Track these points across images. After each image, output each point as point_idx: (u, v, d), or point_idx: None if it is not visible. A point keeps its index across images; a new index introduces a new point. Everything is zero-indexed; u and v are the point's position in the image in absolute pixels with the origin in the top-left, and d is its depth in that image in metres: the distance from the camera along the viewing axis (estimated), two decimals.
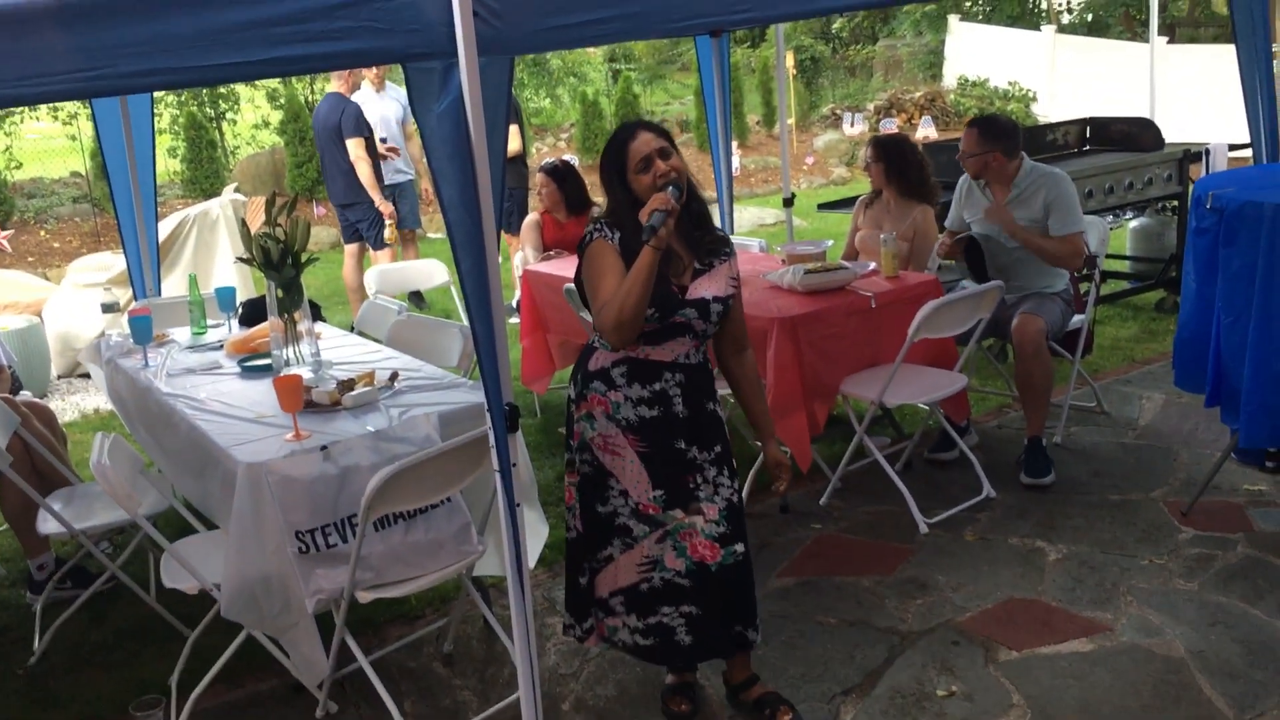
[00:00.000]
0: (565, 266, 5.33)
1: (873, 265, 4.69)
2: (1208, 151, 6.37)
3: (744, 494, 3.34)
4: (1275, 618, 3.39)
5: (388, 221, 7.59)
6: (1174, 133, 7.21)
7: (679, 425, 2.90)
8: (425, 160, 2.70)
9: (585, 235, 2.93)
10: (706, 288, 2.90)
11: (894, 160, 5.01)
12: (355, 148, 7.27)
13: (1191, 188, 5.37)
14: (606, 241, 2.86)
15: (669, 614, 2.94)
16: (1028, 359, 4.44)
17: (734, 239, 4.32)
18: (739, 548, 2.95)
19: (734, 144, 13.20)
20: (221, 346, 4.27)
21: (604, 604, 3.01)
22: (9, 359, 4.57)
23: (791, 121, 14.80)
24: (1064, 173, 4.66)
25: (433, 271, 6.27)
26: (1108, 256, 6.08)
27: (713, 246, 2.96)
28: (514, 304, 5.78)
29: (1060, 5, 20.01)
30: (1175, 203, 6.87)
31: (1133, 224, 7.30)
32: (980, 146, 4.62)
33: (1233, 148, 6.29)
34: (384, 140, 7.72)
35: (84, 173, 12.39)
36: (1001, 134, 4.62)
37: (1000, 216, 4.60)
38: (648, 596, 2.94)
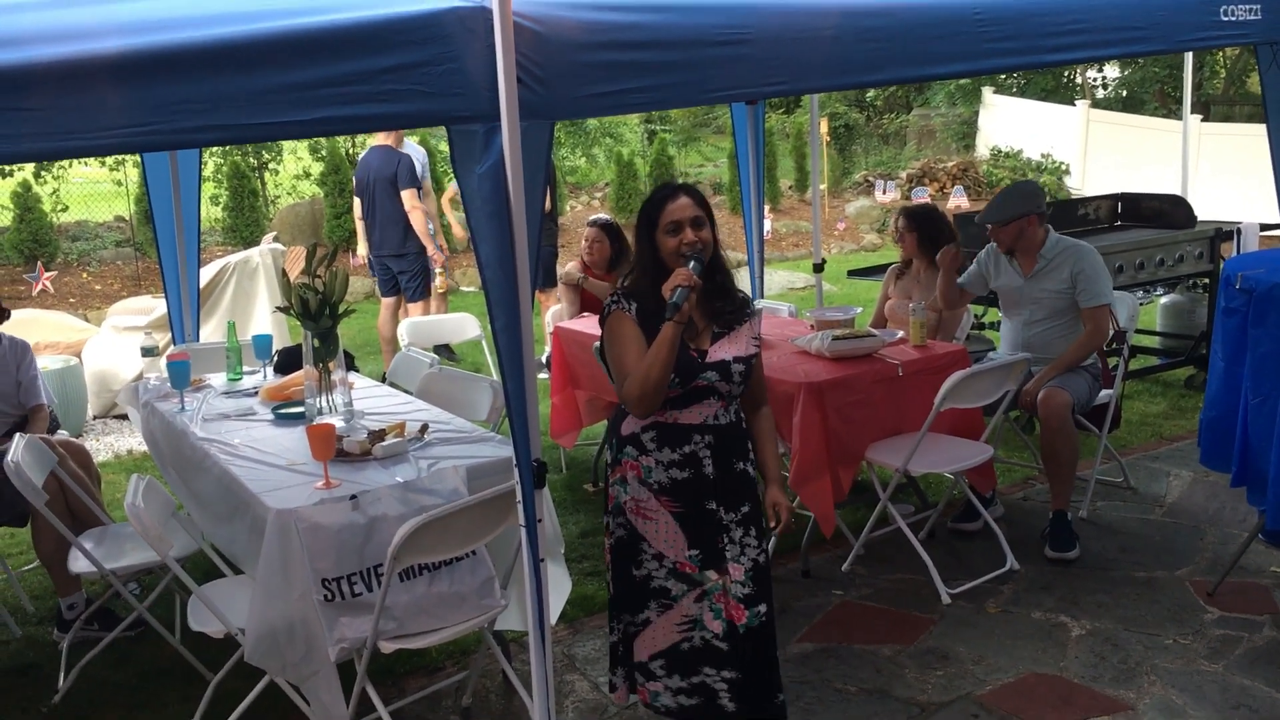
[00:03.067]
0: (595, 324, 5.38)
1: (901, 334, 4.73)
2: (1239, 231, 6.39)
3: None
4: None
5: (438, 269, 7.74)
6: (1206, 211, 7.24)
7: (709, 486, 2.93)
8: (464, 219, 2.77)
9: (604, 307, 3.00)
10: (727, 349, 2.95)
11: (926, 230, 5.06)
12: (410, 198, 7.45)
13: (1222, 267, 5.38)
14: (625, 313, 2.93)
15: (711, 676, 2.94)
16: (1053, 432, 4.44)
17: (764, 302, 4.37)
18: (762, 609, 2.96)
19: (766, 208, 13.31)
20: (257, 393, 4.35)
21: (644, 668, 3.00)
22: (49, 398, 4.65)
23: (824, 187, 14.93)
24: (1091, 245, 4.70)
25: (465, 325, 6.36)
26: (1137, 332, 6.10)
27: (733, 316, 3.01)
28: (544, 360, 5.84)
29: (1095, 80, 20.15)
30: (1206, 280, 6.88)
31: (1163, 300, 7.30)
32: (1003, 214, 4.64)
33: (1264, 228, 6.31)
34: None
35: (128, 217, 12.66)
36: (1031, 199, 4.66)
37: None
38: (688, 656, 2.95)
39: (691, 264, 2.84)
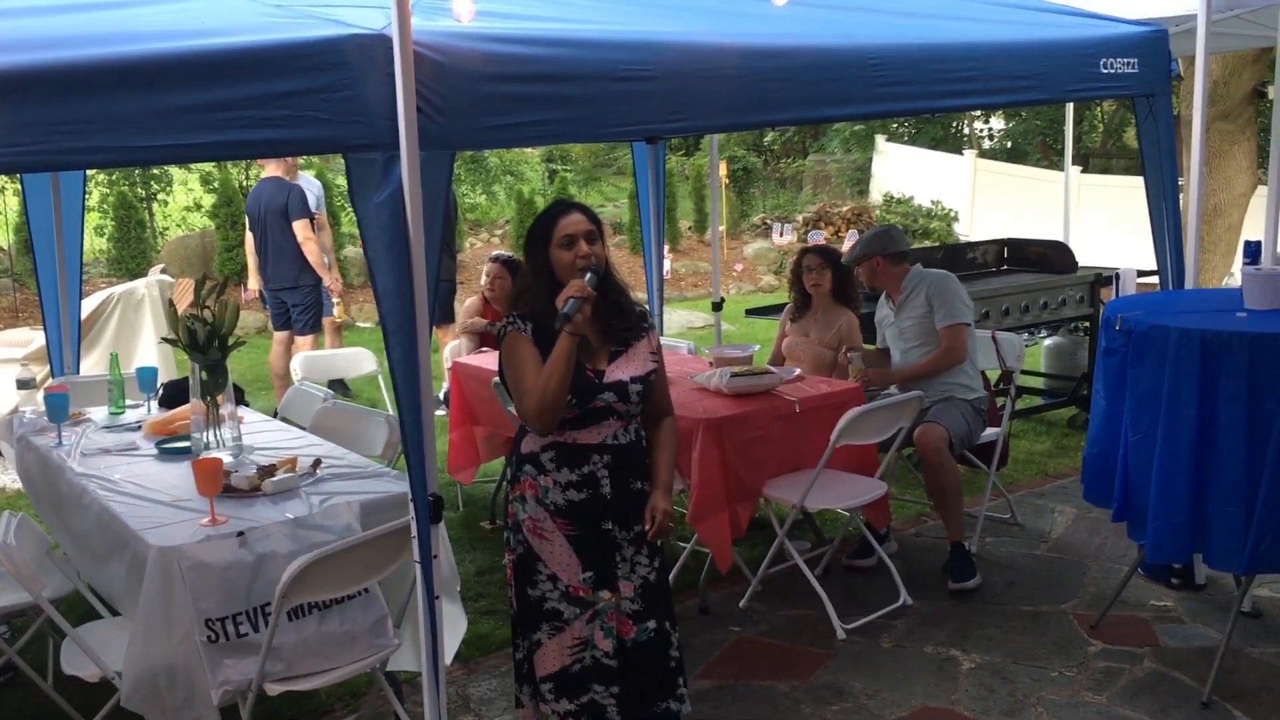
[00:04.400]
0: (494, 359, 5.33)
1: (798, 371, 4.79)
2: (1118, 276, 6.65)
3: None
4: None
5: (335, 299, 7.61)
6: (1086, 257, 7.52)
7: (606, 506, 2.93)
8: (362, 249, 2.73)
9: (500, 329, 2.99)
10: (624, 369, 2.95)
11: (839, 272, 5.17)
12: (302, 229, 7.31)
13: (1102, 310, 5.59)
14: (520, 334, 2.91)
15: (600, 693, 2.94)
16: (933, 467, 4.56)
17: (663, 340, 4.37)
18: (650, 624, 2.98)
19: (666, 248, 13.43)
20: (140, 427, 4.20)
21: (537, 689, 3.00)
22: None
23: (723, 229, 15.12)
24: (947, 272, 4.97)
25: (360, 360, 6.26)
26: (1022, 373, 6.28)
27: (628, 333, 3.00)
28: (442, 395, 5.76)
29: (981, 131, 20.87)
30: (1087, 323, 7.13)
31: (1047, 342, 7.55)
32: (854, 255, 4.99)
33: (1141, 273, 6.58)
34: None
35: (6, 246, 12.18)
36: (878, 241, 4.94)
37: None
38: (579, 676, 2.95)
39: (587, 276, 2.84)
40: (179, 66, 2.31)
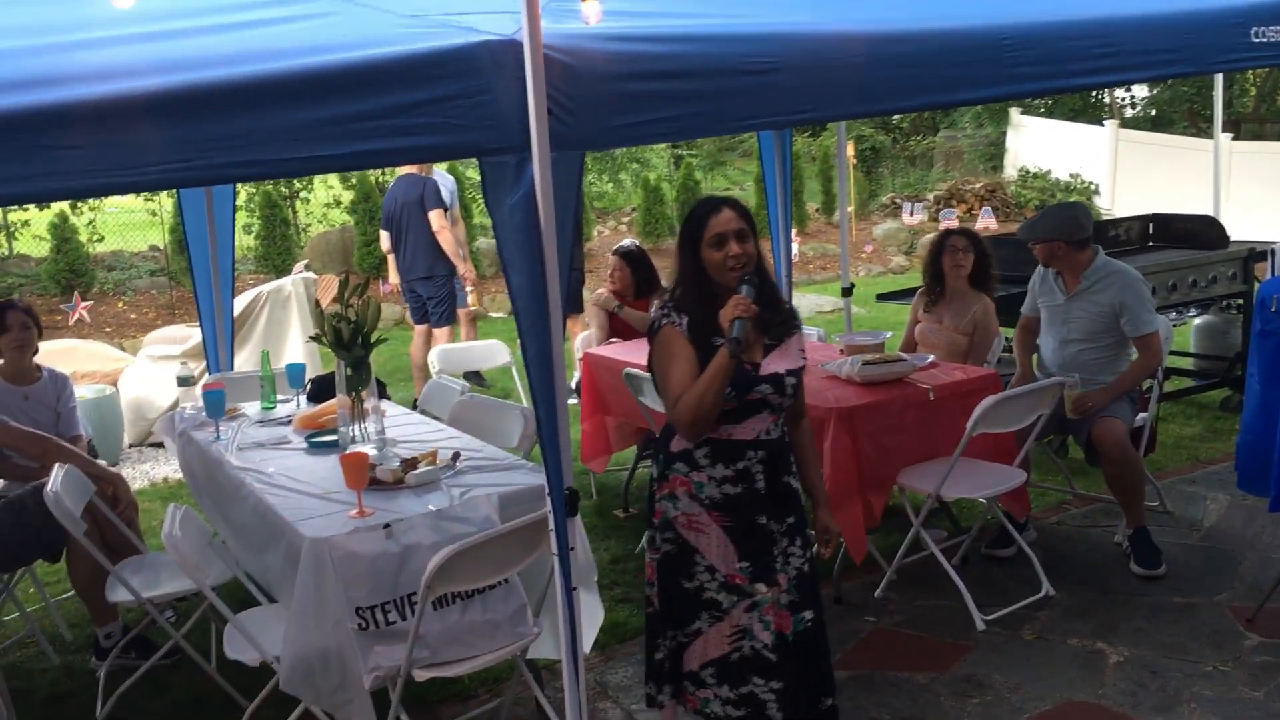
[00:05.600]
0: (626, 351, 5.40)
1: (931, 358, 4.71)
2: (1273, 252, 6.33)
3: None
4: None
5: (469, 288, 7.79)
6: (1239, 231, 7.18)
7: (760, 500, 2.95)
8: (496, 248, 2.79)
9: (654, 321, 3.00)
10: (779, 362, 2.96)
11: (983, 257, 5.05)
12: (438, 219, 7.52)
13: (1256, 288, 5.33)
14: (675, 328, 2.93)
15: (760, 686, 2.94)
16: (1116, 464, 4.45)
17: None
18: (807, 615, 2.97)
19: (793, 231, 13.32)
20: (290, 421, 4.39)
21: (695, 676, 3.00)
22: (85, 428, 4.71)
23: (851, 210, 14.91)
24: (1137, 271, 4.69)
25: (495, 351, 6.40)
26: (1171, 354, 6.04)
27: (782, 326, 3.03)
28: (574, 385, 5.85)
29: (1123, 100, 20.06)
30: (1240, 301, 6.81)
31: (1196, 321, 7.24)
32: (1034, 233, 4.70)
33: None
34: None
35: (162, 247, 12.82)
36: (1065, 226, 4.63)
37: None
38: (738, 666, 2.95)
39: (744, 289, 2.85)
40: (323, 81, 2.39)
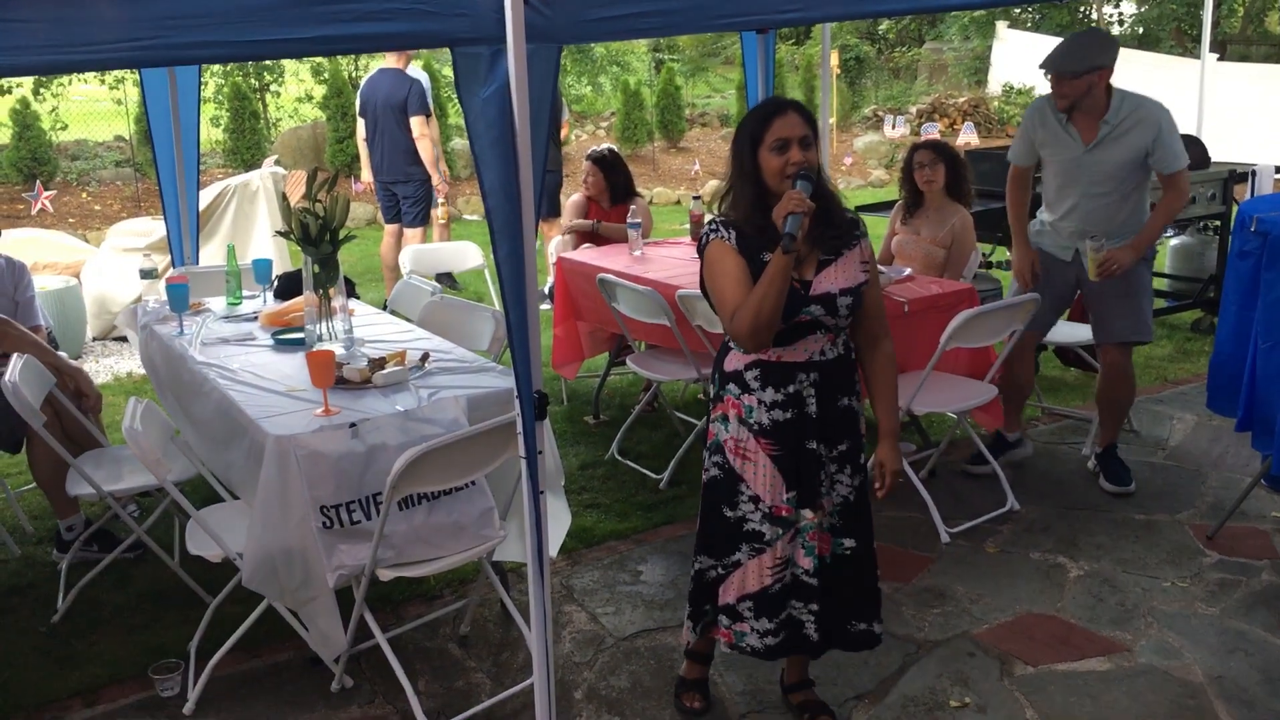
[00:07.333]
0: (600, 256, 5.33)
1: (908, 271, 4.67)
2: (1254, 173, 6.31)
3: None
4: None
5: (440, 200, 7.68)
6: (1220, 151, 7.13)
7: (811, 425, 2.80)
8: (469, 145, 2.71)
9: (702, 236, 2.83)
10: (833, 280, 2.76)
11: (956, 169, 4.96)
12: (419, 125, 7.38)
13: (1236, 209, 5.30)
14: (724, 242, 2.76)
15: (799, 608, 2.87)
16: (1112, 382, 4.48)
17: None
18: (848, 542, 2.89)
19: None
20: (256, 318, 4.31)
21: (730, 610, 2.90)
22: (46, 319, 4.61)
23: (833, 121, 14.74)
24: (1158, 101, 4.19)
25: (467, 254, 6.31)
26: None
27: (839, 240, 2.80)
28: (547, 290, 5.79)
29: (1111, 17, 19.80)
30: (1218, 222, 6.79)
31: (1173, 242, 7.22)
32: (1078, 64, 4.07)
33: None
34: None
35: (128, 137, 12.52)
36: (1107, 49, 4.13)
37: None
38: (779, 595, 2.86)
39: (798, 184, 2.64)
40: None
